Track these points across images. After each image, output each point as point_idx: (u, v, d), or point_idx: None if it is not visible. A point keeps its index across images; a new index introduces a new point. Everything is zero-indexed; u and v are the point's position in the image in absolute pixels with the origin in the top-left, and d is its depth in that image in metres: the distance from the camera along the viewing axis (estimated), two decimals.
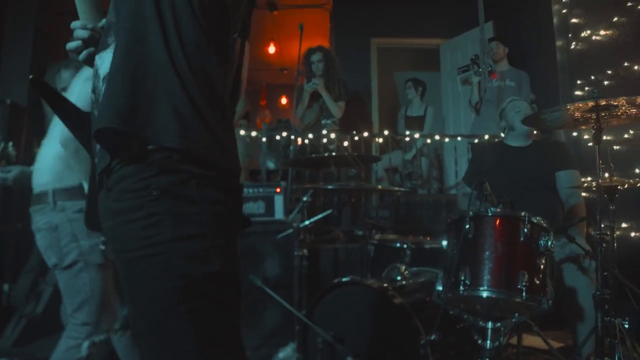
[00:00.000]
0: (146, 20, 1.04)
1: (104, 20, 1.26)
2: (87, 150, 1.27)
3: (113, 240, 1.06)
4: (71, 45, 1.25)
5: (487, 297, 2.12)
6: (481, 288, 2.11)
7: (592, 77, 4.08)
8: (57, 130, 2.14)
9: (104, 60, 1.10)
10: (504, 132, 3.16)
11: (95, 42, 1.24)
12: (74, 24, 1.25)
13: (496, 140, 4.27)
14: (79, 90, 2.09)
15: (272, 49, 7.95)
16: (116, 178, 1.03)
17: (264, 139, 4.65)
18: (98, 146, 1.10)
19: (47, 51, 5.39)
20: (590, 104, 2.05)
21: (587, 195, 3.92)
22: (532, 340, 3.33)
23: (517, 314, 2.27)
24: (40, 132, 4.47)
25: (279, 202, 3.51)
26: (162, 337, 1.02)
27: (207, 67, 1.07)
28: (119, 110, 0.99)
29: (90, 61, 1.25)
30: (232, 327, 1.08)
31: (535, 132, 3.15)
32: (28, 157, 4.38)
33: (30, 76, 1.28)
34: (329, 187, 3.04)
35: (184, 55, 1.03)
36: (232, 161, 1.09)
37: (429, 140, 5.45)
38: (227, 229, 1.07)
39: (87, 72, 2.13)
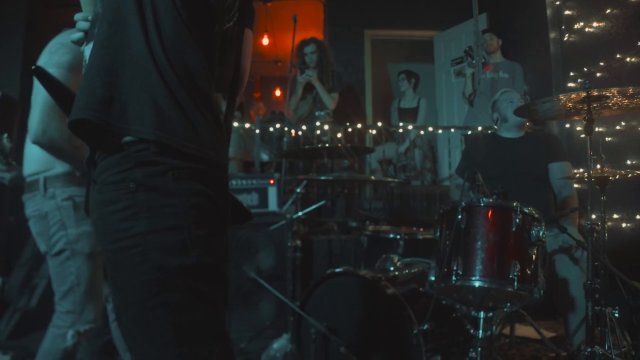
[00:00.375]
0: (126, 12, 1.03)
1: None
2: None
3: (97, 232, 1.07)
4: (74, 37, 1.25)
5: (479, 287, 2.13)
6: (473, 278, 2.13)
7: (585, 69, 4.09)
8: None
9: (89, 50, 1.11)
10: (496, 124, 3.17)
11: None
12: (77, 16, 1.24)
13: (489, 132, 4.29)
14: (44, 62, 2.08)
15: (265, 41, 7.92)
16: (99, 170, 1.04)
17: (257, 131, 4.64)
18: None
19: (38, 43, 5.34)
20: (582, 94, 2.05)
21: (579, 186, 3.94)
22: (524, 330, 3.36)
23: (509, 304, 2.30)
24: None
25: (272, 193, 3.52)
26: (142, 329, 1.02)
27: (188, 58, 1.06)
28: (94, 101, 0.99)
29: None
30: (215, 319, 1.07)
31: (527, 123, 3.16)
32: (20, 150, 4.35)
33: (33, 66, 1.27)
34: (323, 178, 3.04)
35: (163, 46, 1.03)
36: (215, 152, 1.08)
37: (422, 132, 5.46)
38: (208, 221, 1.06)
39: (52, 45, 2.13)
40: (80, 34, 1.23)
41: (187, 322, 1.02)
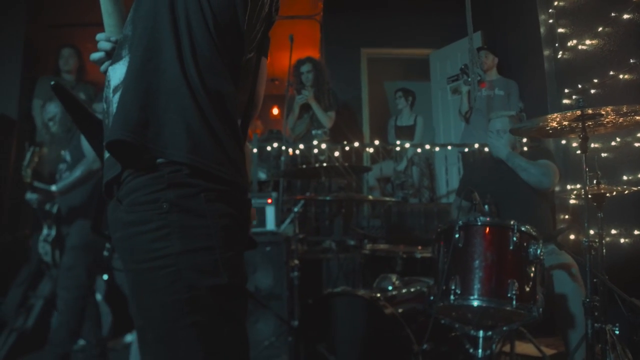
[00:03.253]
0: (162, 38, 1.08)
1: None
2: (100, 158, 1.28)
3: (122, 251, 1.07)
4: (94, 56, 1.29)
5: (478, 306, 2.13)
6: (472, 297, 2.13)
7: (580, 86, 4.12)
8: None
9: (116, 72, 1.13)
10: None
11: None
12: (99, 36, 1.28)
13: (486, 149, 4.30)
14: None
15: None
16: (127, 190, 1.05)
17: (255, 150, 4.65)
18: (107, 155, 1.11)
19: (37, 63, 5.38)
20: (577, 113, 2.07)
21: (575, 202, 3.95)
22: (524, 348, 3.34)
23: (508, 323, 2.29)
24: (29, 145, 4.46)
25: (270, 213, 3.51)
26: (170, 349, 1.02)
27: (220, 84, 1.10)
28: (131, 123, 1.02)
29: None
30: (240, 339, 1.09)
31: (523, 140, 3.16)
32: (18, 169, 4.36)
33: (52, 82, 1.30)
34: (320, 198, 3.04)
35: (197, 72, 1.07)
36: (241, 175, 1.11)
37: (419, 150, 5.48)
38: (234, 242, 1.08)
39: None
40: (101, 54, 1.27)
41: (215, 342, 1.03)
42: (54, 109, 3.47)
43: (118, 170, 1.06)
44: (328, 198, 3.05)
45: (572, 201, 3.81)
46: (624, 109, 2.01)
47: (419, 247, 3.21)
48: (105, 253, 2.12)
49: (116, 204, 1.09)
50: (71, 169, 3.20)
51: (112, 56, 1.25)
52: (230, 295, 1.06)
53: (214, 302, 1.03)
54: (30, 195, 3.18)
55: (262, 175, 4.98)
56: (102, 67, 1.27)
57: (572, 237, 3.60)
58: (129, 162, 1.04)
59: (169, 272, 1.00)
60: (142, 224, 1.01)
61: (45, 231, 3.22)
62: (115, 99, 1.10)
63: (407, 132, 5.85)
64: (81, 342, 3.21)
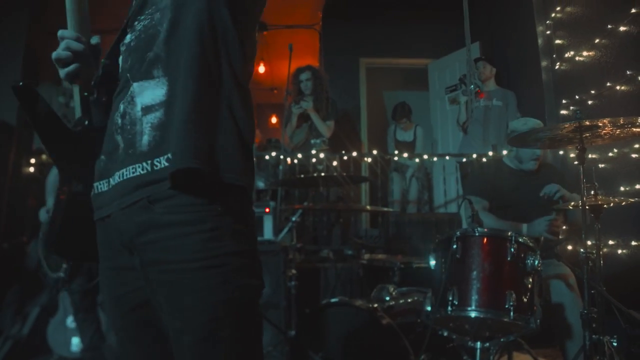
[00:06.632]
0: (212, 65, 1.12)
1: (96, 38, 1.27)
2: (58, 166, 1.25)
3: (160, 252, 1.06)
4: (61, 54, 1.22)
5: (475, 317, 2.12)
6: (469, 308, 2.12)
7: (577, 97, 4.14)
8: None
9: (145, 90, 1.13)
10: (510, 157, 3.11)
11: (84, 59, 1.24)
12: (65, 33, 1.23)
13: (486, 158, 4.30)
14: None
15: (262, 69, 8.01)
16: (167, 191, 1.06)
17: (253, 159, 4.65)
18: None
19: (37, 70, 5.39)
20: (574, 124, 2.08)
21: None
22: (522, 359, 3.33)
23: (505, 334, 2.28)
24: (28, 151, 4.46)
25: (268, 222, 3.51)
26: (211, 349, 1.04)
27: (251, 105, 1.18)
28: (199, 151, 1.05)
29: (73, 77, 1.24)
30: (261, 340, 1.16)
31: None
32: (16, 176, 4.35)
33: (20, 83, 1.21)
34: (318, 207, 3.04)
35: (239, 97, 1.14)
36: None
37: (418, 161, 5.49)
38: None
39: None
40: (68, 54, 1.22)
41: (251, 341, 1.10)
42: None
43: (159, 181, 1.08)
44: (326, 206, 3.05)
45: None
46: (621, 121, 2.02)
47: (417, 258, 3.21)
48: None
49: (143, 205, 1.08)
50: None
51: (79, 59, 1.22)
52: (260, 297, 1.13)
53: (254, 303, 1.10)
54: (44, 215, 3.18)
55: (260, 184, 4.98)
56: (67, 70, 1.23)
57: (569, 247, 3.60)
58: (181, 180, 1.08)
59: (221, 271, 1.04)
60: (196, 224, 1.04)
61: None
62: (147, 119, 1.10)
63: (407, 147, 5.83)
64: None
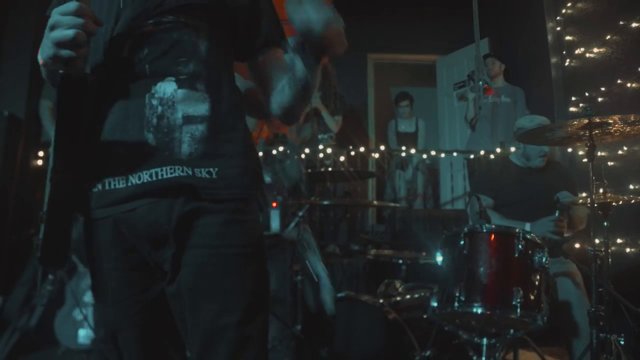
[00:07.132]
0: (240, 93, 1.29)
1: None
2: (57, 166, 1.09)
3: (224, 235, 1.14)
4: (68, 33, 1.00)
5: (482, 314, 2.12)
6: (476, 304, 2.12)
7: (587, 94, 4.11)
8: None
9: (188, 100, 1.15)
10: (517, 154, 3.10)
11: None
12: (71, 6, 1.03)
13: (493, 156, 4.28)
14: None
15: None
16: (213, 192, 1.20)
17: (260, 153, 4.65)
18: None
19: None
20: (584, 121, 2.06)
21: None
22: (528, 356, 3.31)
23: (512, 330, 2.27)
24: (37, 144, 4.47)
25: (275, 216, 3.51)
26: (252, 331, 1.13)
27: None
28: (258, 179, 1.24)
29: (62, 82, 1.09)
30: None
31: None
32: (25, 168, 4.37)
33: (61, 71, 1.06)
34: (325, 202, 3.04)
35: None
36: None
37: (425, 156, 5.47)
38: None
39: None
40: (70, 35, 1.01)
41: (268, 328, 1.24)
42: None
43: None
44: (333, 202, 3.05)
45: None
46: (632, 118, 2.00)
47: (423, 253, 3.20)
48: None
49: (189, 199, 1.14)
50: None
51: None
52: None
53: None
54: None
55: (267, 179, 4.98)
56: (62, 52, 1.01)
57: (577, 245, 3.58)
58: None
59: (261, 253, 1.20)
60: (251, 213, 1.20)
61: None
62: (187, 129, 1.14)
63: (409, 139, 5.82)
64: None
